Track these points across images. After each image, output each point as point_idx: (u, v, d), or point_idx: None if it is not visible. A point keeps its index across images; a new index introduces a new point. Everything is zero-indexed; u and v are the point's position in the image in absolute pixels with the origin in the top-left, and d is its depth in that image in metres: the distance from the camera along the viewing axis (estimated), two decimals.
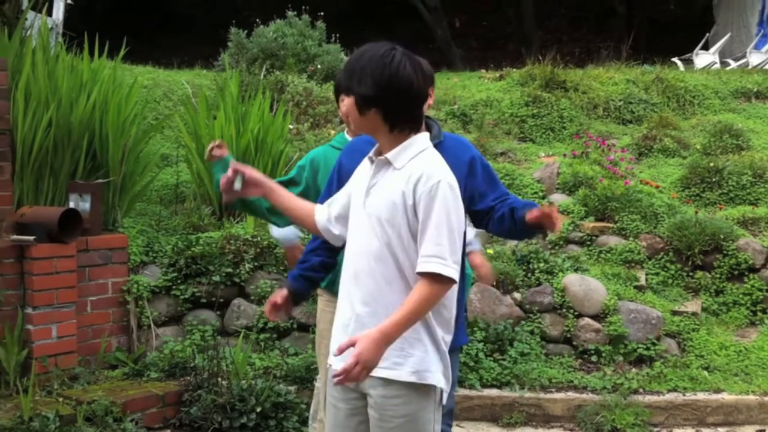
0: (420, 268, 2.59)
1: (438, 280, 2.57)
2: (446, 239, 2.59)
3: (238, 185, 2.83)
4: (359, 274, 2.69)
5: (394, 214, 2.64)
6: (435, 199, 2.60)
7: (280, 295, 3.10)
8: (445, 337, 2.70)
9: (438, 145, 3.11)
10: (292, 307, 3.18)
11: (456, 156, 3.21)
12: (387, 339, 2.55)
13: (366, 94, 2.66)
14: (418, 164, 2.67)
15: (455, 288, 2.68)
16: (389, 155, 2.70)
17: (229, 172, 2.84)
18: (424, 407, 2.66)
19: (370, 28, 18.09)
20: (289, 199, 2.96)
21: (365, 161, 2.84)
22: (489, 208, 3.29)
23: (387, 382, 2.63)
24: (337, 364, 2.63)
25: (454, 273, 2.60)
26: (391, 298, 2.63)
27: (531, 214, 3.09)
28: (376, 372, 2.59)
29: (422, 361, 2.64)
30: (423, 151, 2.72)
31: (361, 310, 2.67)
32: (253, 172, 2.87)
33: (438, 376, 2.66)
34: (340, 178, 3.30)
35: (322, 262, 3.27)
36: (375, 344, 2.53)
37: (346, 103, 2.95)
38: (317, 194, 3.81)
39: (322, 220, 2.90)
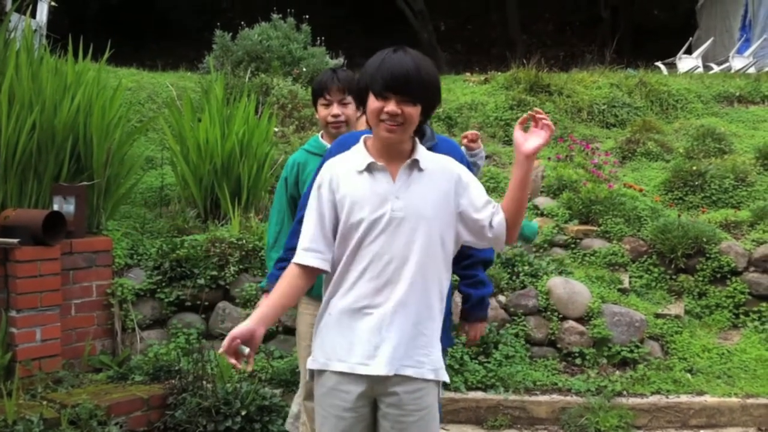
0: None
1: None
2: None
3: (245, 350, 2.64)
4: (403, 272, 2.69)
5: (441, 207, 2.74)
6: (466, 172, 2.83)
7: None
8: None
9: (432, 148, 3.14)
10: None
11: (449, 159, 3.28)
12: None
13: (435, 104, 2.78)
14: (432, 157, 2.81)
15: None
16: (418, 157, 2.75)
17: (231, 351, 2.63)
18: (436, 400, 2.80)
19: (356, 32, 18.12)
20: (280, 302, 2.76)
21: (356, 169, 2.74)
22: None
23: (412, 379, 2.71)
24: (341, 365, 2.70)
25: None
26: (438, 286, 2.76)
27: (467, 328, 3.74)
28: (404, 371, 2.69)
29: (438, 359, 2.78)
30: (423, 147, 2.84)
31: (409, 301, 2.70)
32: (255, 332, 2.68)
33: (445, 373, 2.83)
34: None
35: None
36: None
37: (408, 108, 2.70)
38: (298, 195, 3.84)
39: (318, 263, 2.75)
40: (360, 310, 2.71)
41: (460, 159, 3.35)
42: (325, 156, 3.44)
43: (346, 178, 2.75)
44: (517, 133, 2.77)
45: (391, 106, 2.66)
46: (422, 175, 2.75)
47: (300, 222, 3.31)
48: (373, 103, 2.69)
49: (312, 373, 2.80)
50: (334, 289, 2.76)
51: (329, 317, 2.76)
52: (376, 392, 2.72)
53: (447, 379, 2.82)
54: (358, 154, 2.78)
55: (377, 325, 2.69)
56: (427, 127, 3.30)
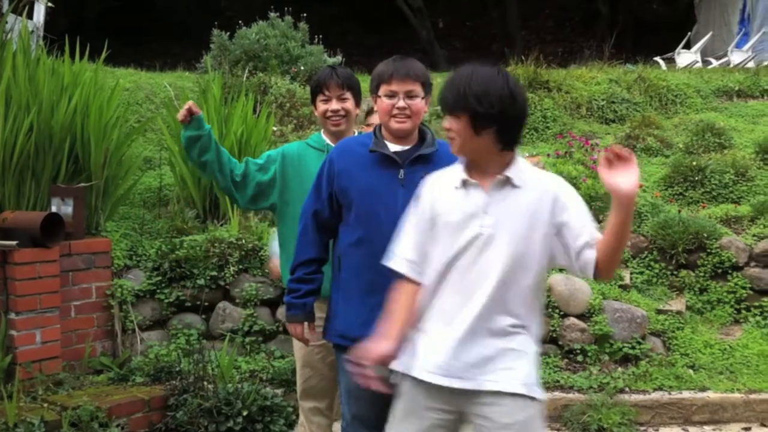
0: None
1: None
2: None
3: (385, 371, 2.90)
4: (484, 287, 2.73)
5: (532, 225, 2.74)
6: (571, 193, 2.80)
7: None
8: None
9: (434, 154, 3.27)
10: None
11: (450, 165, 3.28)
12: None
13: (489, 113, 2.69)
14: (535, 177, 2.82)
15: None
16: (509, 173, 2.77)
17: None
18: (528, 415, 2.77)
19: (354, 30, 18.11)
20: (409, 321, 2.87)
21: (453, 185, 2.84)
22: None
23: (496, 394, 2.72)
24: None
25: None
26: (531, 297, 2.80)
27: None
28: (486, 385, 2.72)
29: (525, 374, 2.77)
30: (525, 164, 2.85)
31: (490, 316, 2.74)
32: None
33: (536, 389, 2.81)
34: (330, 176, 3.34)
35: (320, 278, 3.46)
36: None
37: (452, 122, 2.80)
38: (282, 189, 3.85)
39: (419, 276, 2.88)
40: (444, 322, 2.77)
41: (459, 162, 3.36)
42: (326, 158, 3.44)
43: (442, 193, 2.86)
44: (604, 174, 2.67)
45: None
46: (516, 191, 2.77)
47: (306, 234, 3.41)
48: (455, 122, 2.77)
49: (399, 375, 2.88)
50: (424, 302, 2.84)
51: (416, 329, 2.85)
52: (459, 406, 2.78)
53: (538, 395, 2.77)
54: (455, 171, 2.87)
55: (462, 338, 2.74)
56: (428, 131, 3.37)
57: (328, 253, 3.45)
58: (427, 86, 3.34)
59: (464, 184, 2.82)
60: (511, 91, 2.71)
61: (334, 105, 3.86)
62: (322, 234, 3.41)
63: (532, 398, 2.74)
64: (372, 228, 3.23)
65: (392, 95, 3.28)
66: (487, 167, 2.79)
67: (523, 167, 2.82)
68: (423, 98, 3.31)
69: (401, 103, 3.26)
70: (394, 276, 2.94)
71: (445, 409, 2.79)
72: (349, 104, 3.89)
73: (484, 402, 2.72)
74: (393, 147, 3.32)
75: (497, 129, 2.71)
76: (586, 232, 2.75)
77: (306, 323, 3.45)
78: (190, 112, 3.82)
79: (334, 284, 3.39)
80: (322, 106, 3.89)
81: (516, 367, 2.73)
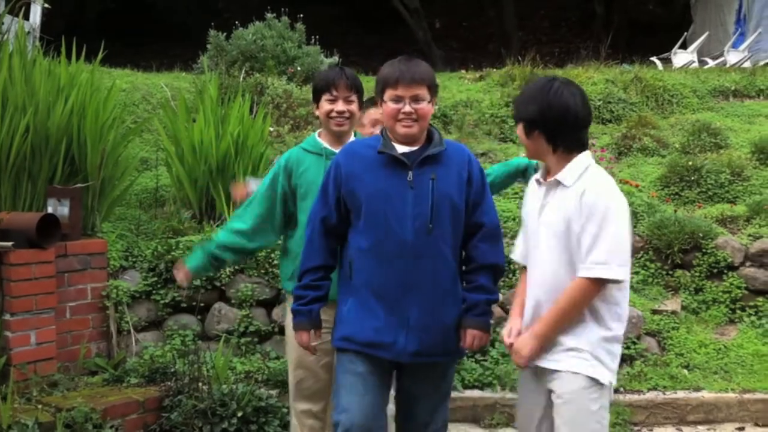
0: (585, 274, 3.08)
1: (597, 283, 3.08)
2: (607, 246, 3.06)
3: None
4: (543, 283, 3.17)
5: (569, 226, 3.08)
6: (597, 210, 3.04)
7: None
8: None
9: (442, 154, 3.31)
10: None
11: (459, 164, 3.38)
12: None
13: (530, 118, 3.14)
14: (584, 180, 3.11)
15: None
16: (559, 176, 3.14)
17: None
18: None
19: (351, 30, 18.11)
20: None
21: (533, 183, 3.30)
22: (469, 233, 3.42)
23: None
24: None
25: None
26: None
27: (463, 333, 3.40)
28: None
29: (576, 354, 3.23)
30: (587, 168, 3.15)
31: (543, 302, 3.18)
32: None
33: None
34: (337, 180, 3.33)
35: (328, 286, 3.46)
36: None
37: (520, 130, 3.24)
38: (293, 196, 3.82)
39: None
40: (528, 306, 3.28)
41: (468, 161, 3.37)
42: (332, 162, 3.40)
43: (529, 188, 3.34)
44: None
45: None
46: (564, 191, 3.13)
47: (313, 240, 3.40)
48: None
49: None
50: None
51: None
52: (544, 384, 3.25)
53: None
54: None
55: (528, 319, 3.23)
56: (435, 132, 3.37)
57: (336, 259, 3.43)
58: (433, 88, 3.33)
59: (538, 182, 3.26)
60: (551, 99, 3.10)
61: (341, 106, 3.80)
62: (330, 240, 3.39)
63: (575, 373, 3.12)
64: (382, 232, 3.23)
65: (398, 100, 3.25)
66: (551, 168, 3.21)
67: (577, 171, 3.13)
68: (429, 101, 3.30)
69: (407, 108, 3.24)
70: (410, 278, 3.23)
71: (540, 389, 3.24)
72: (354, 107, 3.85)
73: (552, 378, 3.17)
74: (401, 149, 3.30)
75: (544, 132, 3.13)
76: (583, 257, 3.08)
77: (312, 331, 3.43)
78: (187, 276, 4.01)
79: (344, 289, 3.37)
80: (327, 106, 3.83)
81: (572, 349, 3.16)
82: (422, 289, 3.26)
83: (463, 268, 3.44)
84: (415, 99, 3.25)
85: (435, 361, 3.39)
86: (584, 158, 3.17)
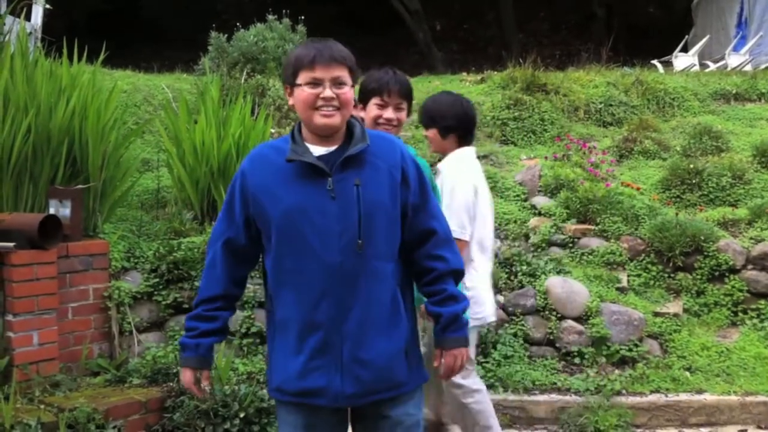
0: None
1: None
2: None
3: None
4: None
5: None
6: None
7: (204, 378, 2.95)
8: None
9: (365, 152, 2.74)
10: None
11: (389, 159, 2.81)
12: None
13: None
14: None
15: None
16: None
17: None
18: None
19: (352, 32, 18.11)
20: None
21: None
22: (416, 239, 2.86)
23: None
24: None
25: None
26: None
27: (442, 355, 2.89)
28: None
29: None
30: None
31: None
32: None
33: None
34: (244, 193, 2.80)
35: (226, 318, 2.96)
36: None
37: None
38: None
39: None
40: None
41: (400, 157, 2.82)
42: (238, 172, 2.86)
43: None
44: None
45: None
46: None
47: (214, 265, 2.91)
48: None
49: None
50: None
51: None
52: None
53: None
54: None
55: None
56: (356, 124, 2.83)
57: (242, 288, 2.96)
58: (354, 72, 2.78)
59: None
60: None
61: (390, 113, 3.67)
62: (236, 266, 2.88)
63: None
64: (301, 256, 2.68)
65: (316, 83, 2.69)
66: None
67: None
68: (351, 86, 2.76)
69: (328, 93, 2.68)
70: (339, 307, 2.67)
71: None
72: (403, 115, 3.74)
73: None
74: (317, 150, 2.74)
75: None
76: None
77: (200, 370, 2.92)
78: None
79: (270, 327, 2.87)
80: (375, 111, 3.68)
81: None
82: (356, 318, 2.69)
83: (423, 279, 2.88)
84: (336, 82, 2.70)
85: (381, 398, 2.79)
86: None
